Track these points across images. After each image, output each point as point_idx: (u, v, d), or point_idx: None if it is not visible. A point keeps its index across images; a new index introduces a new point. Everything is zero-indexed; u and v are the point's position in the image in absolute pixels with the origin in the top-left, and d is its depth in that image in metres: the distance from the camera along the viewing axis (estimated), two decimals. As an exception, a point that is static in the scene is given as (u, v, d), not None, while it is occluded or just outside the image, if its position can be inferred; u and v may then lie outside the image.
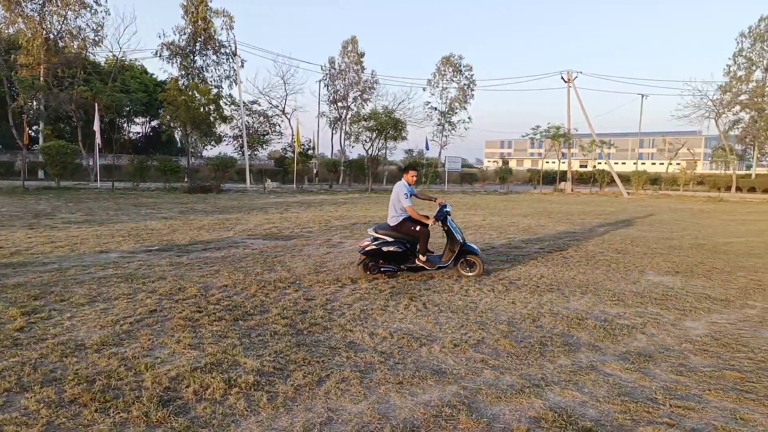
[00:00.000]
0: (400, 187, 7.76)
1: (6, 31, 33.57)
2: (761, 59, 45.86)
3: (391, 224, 7.78)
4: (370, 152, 38.13)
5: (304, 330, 5.17)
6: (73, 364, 4.08)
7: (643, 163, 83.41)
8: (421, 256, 7.66)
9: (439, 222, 7.89)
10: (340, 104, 49.00)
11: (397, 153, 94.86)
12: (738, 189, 42.49)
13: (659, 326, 5.66)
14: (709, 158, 73.71)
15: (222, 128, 38.84)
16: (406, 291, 6.94)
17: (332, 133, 51.85)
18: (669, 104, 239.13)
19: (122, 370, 3.99)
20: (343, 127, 48.40)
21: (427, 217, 7.70)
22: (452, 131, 55.23)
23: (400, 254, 7.69)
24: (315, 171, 44.55)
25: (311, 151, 45.37)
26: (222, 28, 41.64)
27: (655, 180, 49.37)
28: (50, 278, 7.00)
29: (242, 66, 41.23)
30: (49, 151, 26.96)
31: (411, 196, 7.86)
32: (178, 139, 46.97)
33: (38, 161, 32.45)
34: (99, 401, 3.46)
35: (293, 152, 38.41)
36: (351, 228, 13.72)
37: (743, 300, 6.99)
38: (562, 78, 42.44)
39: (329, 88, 48.98)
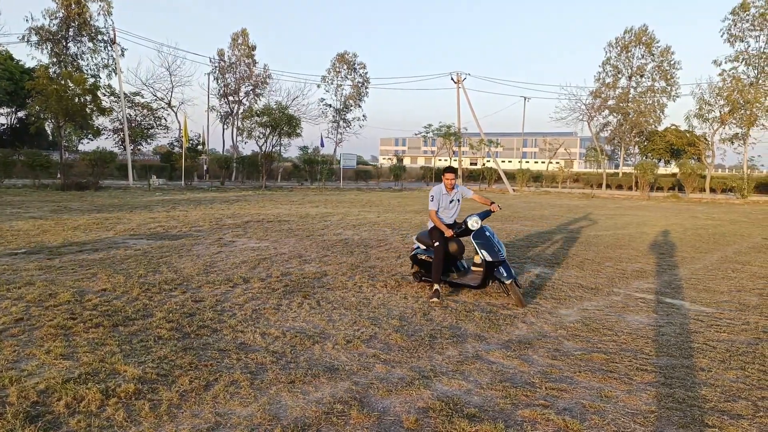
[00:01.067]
0: (433, 191, 6.98)
1: None
2: (626, 68, 50.62)
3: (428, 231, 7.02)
4: (263, 148, 37.27)
5: (191, 333, 4.96)
6: None
7: (527, 162, 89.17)
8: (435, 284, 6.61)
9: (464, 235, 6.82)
10: (231, 98, 47.47)
11: (291, 150, 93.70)
12: (608, 186, 46.60)
13: (538, 315, 6.08)
14: (584, 158, 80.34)
15: (101, 121, 36.07)
16: (300, 289, 6.89)
17: (224, 129, 50.05)
18: (549, 107, 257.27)
19: (-18, 387, 3.60)
20: (236, 123, 46.93)
21: (448, 228, 6.67)
22: (347, 128, 55.47)
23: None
24: (205, 167, 42.79)
25: (201, 147, 43.47)
26: (99, 14, 38.67)
27: (537, 177, 52.95)
28: None
29: (122, 55, 38.53)
30: None
31: (457, 201, 6.99)
32: (49, 131, 43.05)
33: None
34: (-49, 424, 3.10)
35: (181, 147, 36.61)
36: (244, 226, 13.35)
37: (610, 288, 7.69)
38: (452, 79, 44.13)
39: (219, 82, 47.29)
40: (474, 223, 6.51)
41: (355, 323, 5.49)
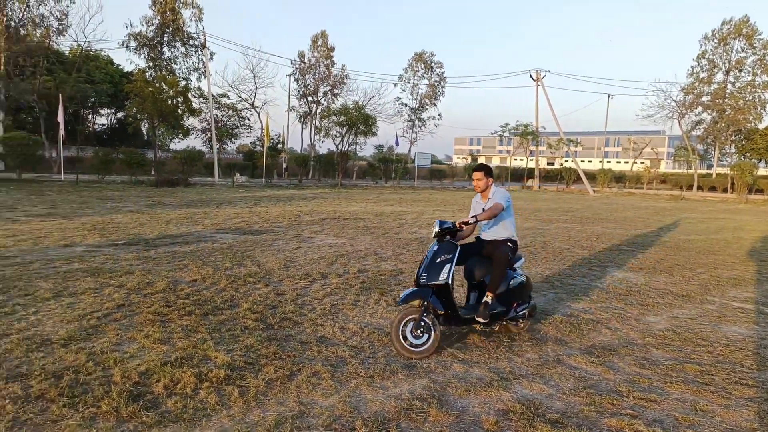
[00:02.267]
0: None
1: (-38, 17, 32.26)
2: (723, 62, 47.31)
3: None
4: (340, 147, 38.02)
5: (274, 325, 5.17)
6: (39, 359, 4.00)
7: (609, 162, 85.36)
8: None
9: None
10: (310, 99, 48.67)
11: (367, 148, 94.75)
12: (699, 188, 43.84)
13: (623, 321, 5.84)
14: (672, 157, 75.89)
15: (190, 121, 38.18)
16: (377, 286, 6.98)
17: (302, 128, 51.47)
18: (634, 104, 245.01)
19: (90, 365, 3.93)
20: (313, 122, 48.12)
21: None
22: (422, 127, 55.43)
23: None
24: (284, 165, 44.20)
25: (281, 146, 44.99)
26: (191, 20, 40.86)
27: (620, 178, 50.58)
28: (13, 272, 6.80)
29: (211, 58, 40.52)
30: (9, 142, 26.08)
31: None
32: (144, 131, 46.00)
33: (-2, 152, 31.36)
34: (67, 396, 3.41)
35: (262, 146, 38.04)
36: (321, 223, 13.69)
37: (703, 296, 7.25)
38: (531, 77, 43.07)
39: (299, 83, 48.61)
40: (435, 228, 4.84)
41: (433, 322, 5.50)
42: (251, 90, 44.56)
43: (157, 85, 31.18)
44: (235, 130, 43.48)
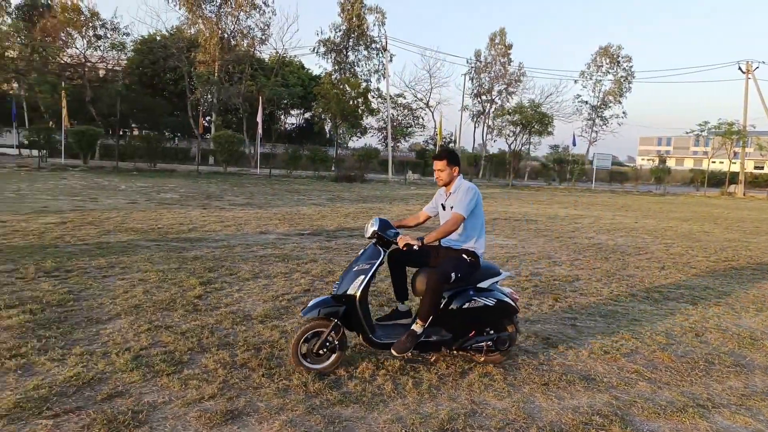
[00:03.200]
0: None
1: (188, 31, 37.74)
2: None
3: None
4: (512, 147, 37.22)
5: (446, 321, 5.24)
6: (242, 332, 4.54)
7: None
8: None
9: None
10: (484, 98, 48.33)
11: (541, 148, 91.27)
12: None
13: None
14: None
15: (368, 120, 40.37)
16: (550, 291, 6.71)
17: (474, 127, 51.33)
18: None
19: (283, 341, 4.36)
20: (486, 121, 47.74)
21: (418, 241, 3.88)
22: (603, 126, 51.86)
23: None
24: (456, 164, 44.47)
25: (452, 144, 45.40)
26: (374, 24, 43.12)
27: None
28: (221, 254, 7.81)
29: (391, 60, 42.42)
30: (219, 140, 30.01)
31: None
32: (327, 130, 49.64)
33: (210, 148, 36.28)
34: (265, 367, 3.82)
35: (434, 145, 38.76)
36: (492, 223, 13.54)
37: None
38: (740, 68, 37.90)
39: (474, 81, 48.52)
40: (370, 228, 3.98)
41: (613, 334, 5.13)
42: (426, 90, 45.84)
43: (341, 87, 33.45)
44: (409, 129, 44.94)
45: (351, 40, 42.92)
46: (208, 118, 41.38)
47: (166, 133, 40.12)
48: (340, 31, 42.67)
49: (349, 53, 43.70)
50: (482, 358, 4.12)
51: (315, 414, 3.22)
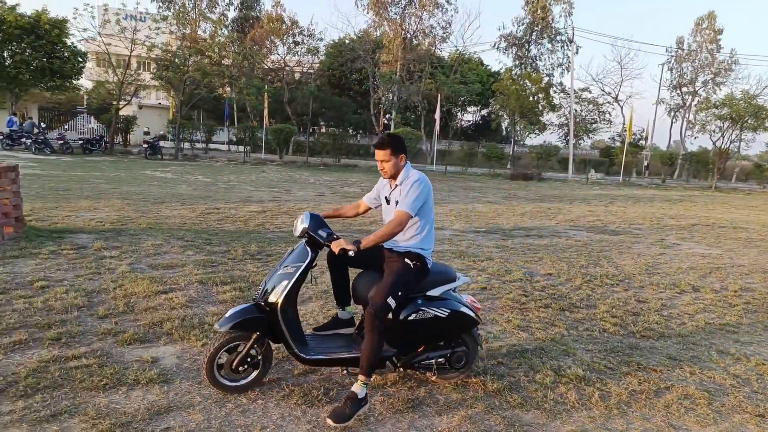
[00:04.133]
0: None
1: (374, 33, 39.75)
2: None
3: None
4: (718, 144, 32.88)
5: (636, 333, 4.82)
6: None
7: None
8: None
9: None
10: (685, 89, 43.46)
11: (755, 146, 79.33)
12: None
13: None
14: None
15: (548, 116, 38.75)
16: (766, 309, 5.81)
17: (671, 122, 46.39)
18: None
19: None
20: (686, 116, 42.86)
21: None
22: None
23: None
24: (645, 163, 40.73)
25: (643, 142, 41.58)
26: (560, 15, 41.33)
27: None
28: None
29: (577, 52, 40.35)
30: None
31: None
32: (504, 127, 48.77)
33: (388, 145, 37.82)
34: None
35: (622, 142, 35.88)
36: (690, 229, 12.14)
37: None
38: None
39: (673, 72, 43.86)
40: (299, 225, 3.41)
41: None
42: (616, 83, 42.79)
43: (521, 82, 32.58)
44: (594, 125, 42.22)
45: (534, 33, 41.56)
46: (388, 115, 43.20)
47: (350, 131, 42.73)
48: (522, 24, 41.58)
49: (532, 47, 42.37)
50: (434, 377, 3.56)
51: (494, 414, 3.18)
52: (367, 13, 37.72)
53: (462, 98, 43.62)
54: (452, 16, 40.26)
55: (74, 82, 33.08)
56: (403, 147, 3.41)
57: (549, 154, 33.96)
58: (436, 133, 33.14)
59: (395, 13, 37.36)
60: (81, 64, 28.25)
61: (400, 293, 3.17)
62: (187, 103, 28.81)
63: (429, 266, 3.41)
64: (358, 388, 3.05)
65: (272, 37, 37.51)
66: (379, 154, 3.38)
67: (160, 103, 42.11)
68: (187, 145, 30.25)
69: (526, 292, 5.94)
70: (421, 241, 3.38)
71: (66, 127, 35.00)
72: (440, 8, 37.27)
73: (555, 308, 5.41)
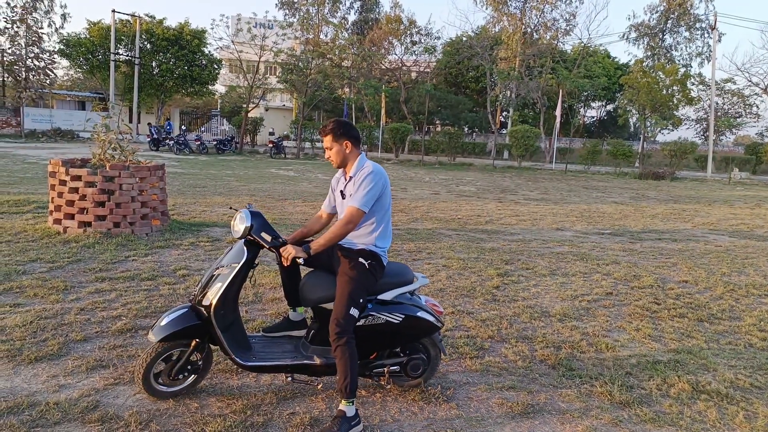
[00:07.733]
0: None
1: (492, 30, 39.01)
2: None
3: None
4: None
5: (791, 352, 4.28)
6: (540, 328, 4.50)
7: None
8: None
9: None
10: None
11: None
12: None
13: None
14: None
15: (684, 110, 35.63)
16: None
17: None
18: None
19: (584, 344, 4.16)
20: None
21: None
22: None
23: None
24: (804, 162, 36.11)
25: (798, 138, 36.90)
26: (700, 1, 37.79)
27: None
28: (516, 247, 7.88)
29: (719, 40, 36.50)
30: (515, 135, 30.37)
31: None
32: (632, 122, 45.64)
33: (505, 143, 37.02)
34: (566, 367, 3.70)
35: (771, 138, 32.07)
36: None
37: None
38: None
39: (837, 57, 38.46)
40: (239, 224, 3.04)
41: None
42: (765, 72, 38.25)
43: (653, 75, 30.27)
44: (738, 119, 38.20)
45: (669, 21, 38.38)
46: (504, 113, 42.24)
47: (466, 129, 42.29)
48: (656, 12, 38.56)
49: (666, 36, 39.18)
50: (388, 385, 3.21)
51: (623, 427, 2.98)
52: (486, 8, 37.11)
53: (586, 93, 41.48)
54: (577, 7, 38.36)
55: (210, 87, 36.03)
56: (349, 133, 3.11)
57: (684, 152, 31.17)
58: (557, 131, 31.79)
59: (515, 8, 36.39)
60: (216, 71, 30.72)
61: (361, 300, 2.94)
62: (308, 104, 30.18)
63: (384, 263, 3.14)
64: (345, 406, 2.80)
65: (390, 38, 38.16)
66: (326, 141, 3.14)
67: (284, 105, 44.55)
68: (308, 144, 31.70)
69: (658, 300, 5.51)
70: (375, 239, 3.10)
71: (203, 129, 38.25)
72: (564, 0, 35.73)
73: (692, 318, 4.96)
